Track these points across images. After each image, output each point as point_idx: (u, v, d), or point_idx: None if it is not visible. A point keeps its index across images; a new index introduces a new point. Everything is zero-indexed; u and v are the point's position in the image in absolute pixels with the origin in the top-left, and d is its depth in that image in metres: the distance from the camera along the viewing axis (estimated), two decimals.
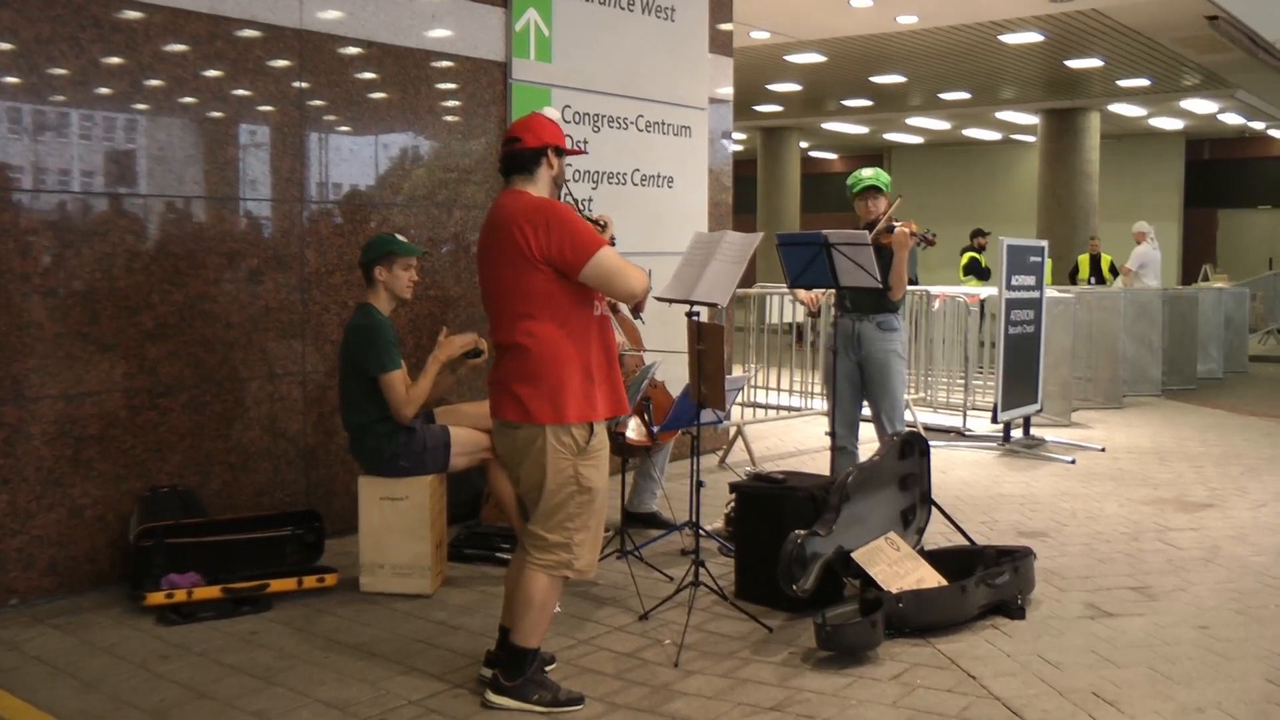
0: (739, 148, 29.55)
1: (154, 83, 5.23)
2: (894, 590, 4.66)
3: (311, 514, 5.40)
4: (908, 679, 4.15)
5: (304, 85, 5.83)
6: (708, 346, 4.60)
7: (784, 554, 4.57)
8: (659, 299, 5.05)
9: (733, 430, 8.64)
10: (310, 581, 5.11)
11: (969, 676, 4.16)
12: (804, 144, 29.34)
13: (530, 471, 3.85)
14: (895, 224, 5.90)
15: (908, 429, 5.61)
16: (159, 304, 5.26)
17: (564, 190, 4.13)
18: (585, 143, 7.47)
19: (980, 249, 15.49)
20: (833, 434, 6.03)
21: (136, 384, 5.19)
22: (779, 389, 10.74)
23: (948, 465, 8.31)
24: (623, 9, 7.66)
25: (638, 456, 6.30)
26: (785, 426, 10.15)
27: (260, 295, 5.68)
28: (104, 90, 5.08)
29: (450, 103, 6.63)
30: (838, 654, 4.35)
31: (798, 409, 10.46)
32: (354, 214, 6.12)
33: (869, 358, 5.99)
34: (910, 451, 5.41)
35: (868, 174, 6.17)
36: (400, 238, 5.23)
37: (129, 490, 5.18)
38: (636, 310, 5.91)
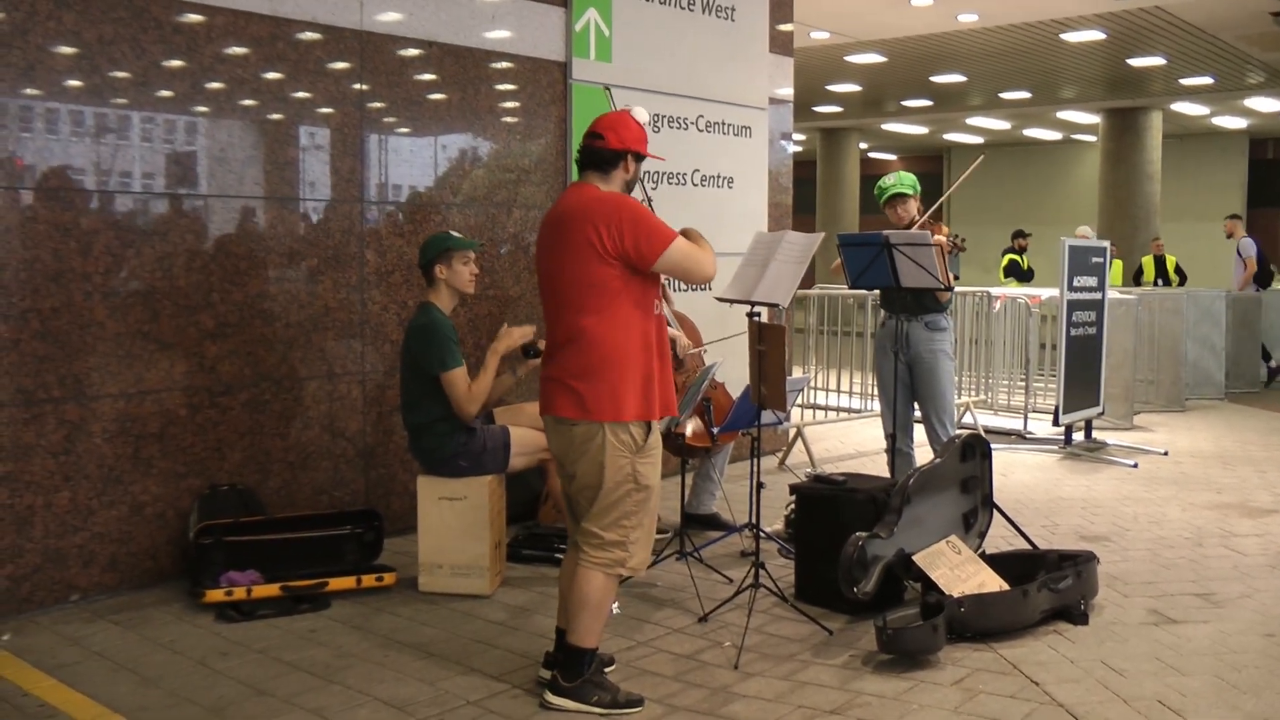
0: (798, 148, 29.42)
1: (214, 84, 5.28)
2: (955, 594, 4.59)
3: (371, 513, 5.41)
4: (969, 684, 4.07)
5: (364, 86, 5.85)
6: (769, 347, 4.55)
7: (845, 556, 4.51)
8: (719, 299, 5.02)
9: (792, 432, 8.57)
10: (369, 580, 5.13)
11: (1032, 683, 4.07)
12: (863, 145, 29.13)
13: (587, 469, 3.83)
14: (931, 232, 5.80)
15: (968, 432, 5.51)
16: (219, 303, 5.30)
17: (642, 194, 4.09)
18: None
19: (1021, 250, 15.29)
20: (892, 436, 5.97)
21: (196, 382, 5.23)
22: (839, 390, 10.64)
23: (1008, 468, 8.18)
24: (683, 9, 7.63)
25: (697, 457, 6.27)
26: (845, 428, 10.05)
27: (320, 295, 5.71)
28: (165, 92, 5.12)
29: (510, 103, 6.63)
30: (898, 657, 4.28)
31: (858, 410, 10.35)
32: (414, 214, 6.14)
33: (917, 358, 5.95)
34: (972, 454, 5.32)
35: (890, 181, 6.12)
36: (455, 233, 5.24)
37: (189, 488, 5.23)
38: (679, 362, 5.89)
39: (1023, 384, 10.36)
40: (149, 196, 5.12)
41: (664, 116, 7.56)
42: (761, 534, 5.85)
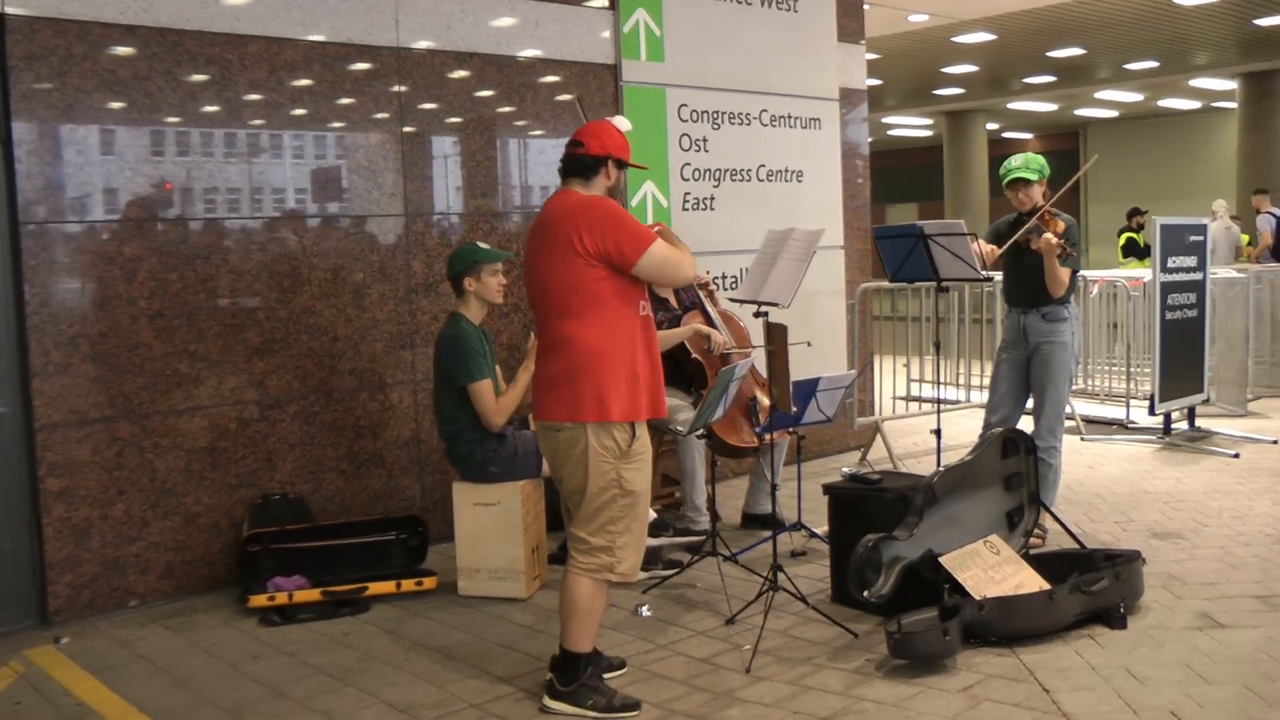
0: (927, 133, 28.84)
1: (251, 109, 5.49)
2: (985, 596, 4.47)
3: (415, 519, 5.55)
4: (978, 691, 3.97)
5: (404, 101, 6.00)
6: (775, 347, 4.52)
7: (855, 558, 4.45)
8: (732, 299, 5.00)
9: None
10: (409, 585, 5.27)
11: (1043, 690, 3.95)
12: (992, 125, 28.35)
13: (572, 473, 3.89)
14: (1044, 229, 5.59)
15: (1009, 429, 5.35)
16: (265, 320, 5.52)
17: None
18: (705, 141, 7.44)
19: (1139, 228, 14.70)
20: (937, 432, 5.85)
21: (245, 397, 5.46)
22: (937, 381, 10.38)
23: (1099, 460, 7.91)
24: (739, 2, 7.59)
25: (748, 458, 6.25)
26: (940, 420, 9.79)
27: (367, 308, 5.89)
28: (203, 119, 5.35)
29: (557, 109, 6.69)
30: (912, 662, 4.20)
31: (955, 402, 10.13)
32: (461, 224, 6.27)
33: (1036, 349, 5.81)
34: (1014, 450, 5.19)
35: (1016, 163, 5.83)
36: (483, 245, 5.35)
37: (241, 498, 5.46)
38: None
39: (1123, 371, 9.98)
40: (190, 220, 5.35)
41: (724, 113, 7.53)
42: (809, 533, 5.82)
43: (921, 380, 10.84)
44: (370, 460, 5.93)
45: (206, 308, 5.33)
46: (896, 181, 33.88)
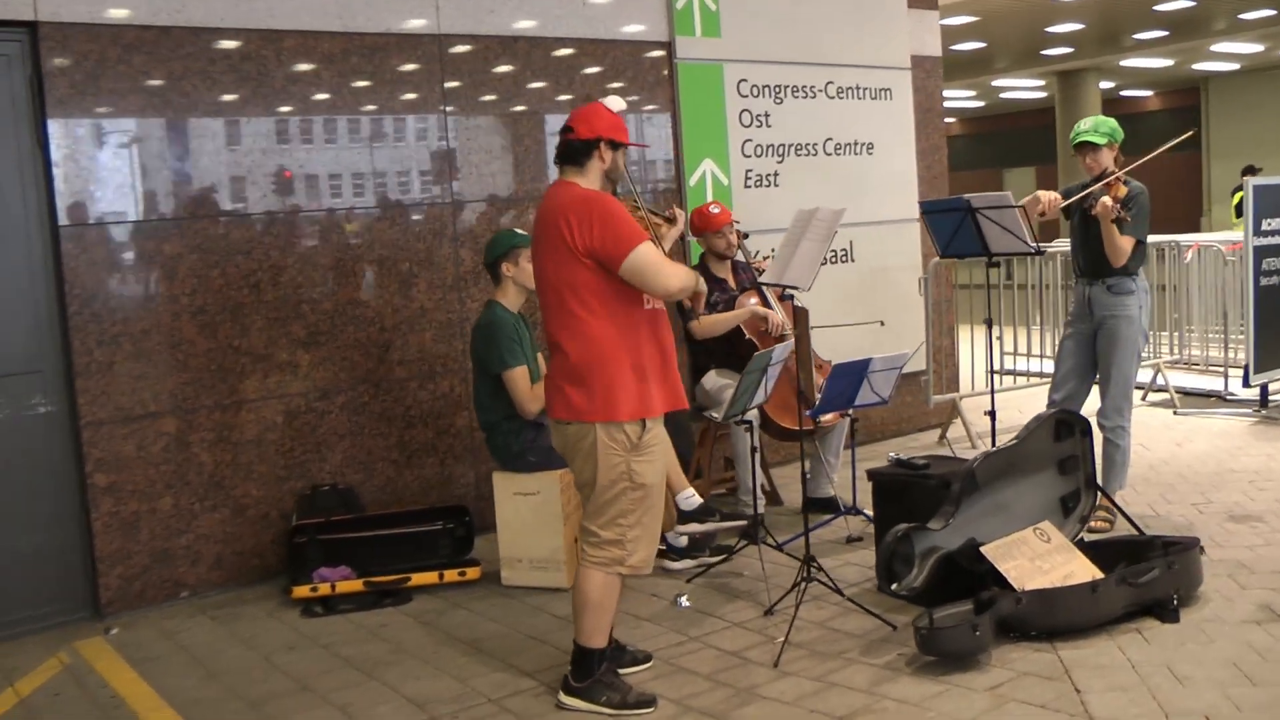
0: (1041, 94, 27.89)
1: (290, 103, 5.53)
2: (1026, 588, 4.28)
3: (461, 509, 5.55)
4: (1005, 690, 3.80)
5: (447, 87, 5.97)
6: (799, 332, 4.38)
7: (883, 549, 4.31)
8: (761, 283, 4.86)
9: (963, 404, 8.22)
10: (451, 575, 5.28)
11: (1074, 690, 3.76)
12: (1107, 84, 27.27)
13: (582, 467, 3.84)
14: (1106, 194, 5.33)
15: (1061, 410, 5.12)
16: (310, 313, 5.56)
17: (619, 186, 4.03)
18: (767, 116, 7.28)
19: None
20: (991, 414, 5.64)
21: (291, 389, 5.52)
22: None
23: (1190, 436, 7.54)
24: None
25: (801, 440, 6.10)
26: (1026, 396, 9.48)
27: (415, 297, 5.90)
28: (240, 115, 5.41)
29: (608, 89, 6.60)
30: (943, 659, 4.05)
31: (1046, 376, 9.77)
32: (509, 209, 6.23)
33: (1101, 324, 5.56)
34: (1068, 433, 4.96)
35: (1084, 127, 5.56)
36: (520, 231, 5.31)
37: (290, 489, 5.53)
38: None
39: (1220, 340, 9.50)
40: (229, 216, 5.40)
41: (786, 86, 7.36)
42: (868, 519, 5.67)
43: (1016, 353, 10.53)
44: (422, 449, 5.96)
45: (250, 302, 5.39)
46: (1010, 145, 32.87)
